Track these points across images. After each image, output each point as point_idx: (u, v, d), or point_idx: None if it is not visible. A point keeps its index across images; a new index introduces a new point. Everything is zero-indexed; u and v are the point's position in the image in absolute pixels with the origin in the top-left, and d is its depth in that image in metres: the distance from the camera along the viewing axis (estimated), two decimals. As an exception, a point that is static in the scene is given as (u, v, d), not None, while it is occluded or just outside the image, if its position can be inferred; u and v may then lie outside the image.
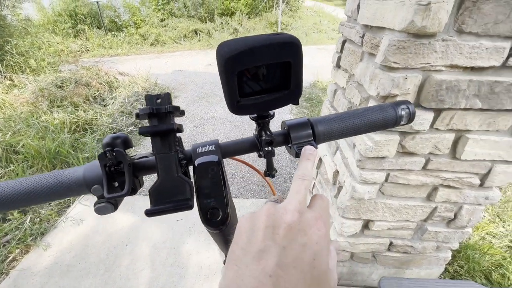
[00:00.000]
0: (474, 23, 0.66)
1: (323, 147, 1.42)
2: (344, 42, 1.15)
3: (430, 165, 0.92)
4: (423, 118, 0.80)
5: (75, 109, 2.97)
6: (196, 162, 0.33)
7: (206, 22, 8.98)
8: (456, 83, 0.73)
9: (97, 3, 7.84)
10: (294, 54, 0.28)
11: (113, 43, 7.92)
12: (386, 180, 0.98)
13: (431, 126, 0.83)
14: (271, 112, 0.36)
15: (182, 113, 0.31)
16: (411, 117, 0.37)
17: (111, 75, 4.08)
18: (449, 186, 0.98)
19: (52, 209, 1.84)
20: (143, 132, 0.29)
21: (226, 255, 0.40)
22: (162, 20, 9.29)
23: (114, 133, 0.32)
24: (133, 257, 1.51)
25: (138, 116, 0.29)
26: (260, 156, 0.37)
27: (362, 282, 1.37)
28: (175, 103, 3.82)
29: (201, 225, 1.39)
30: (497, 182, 0.94)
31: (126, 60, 6.62)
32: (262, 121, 0.35)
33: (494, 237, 1.67)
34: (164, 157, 0.30)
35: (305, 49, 7.24)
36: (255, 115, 0.35)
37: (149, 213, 0.30)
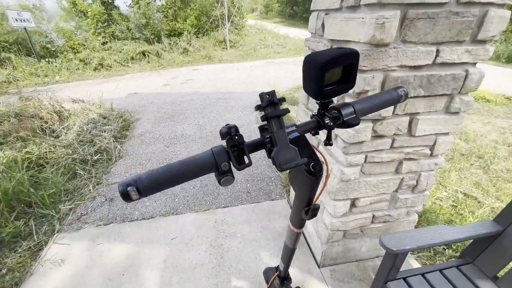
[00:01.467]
0: (412, 35, 0.92)
1: (304, 145, 1.61)
2: (312, 54, 1.37)
3: (395, 143, 1.17)
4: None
5: (25, 144, 2.66)
6: (289, 137, 0.45)
7: (153, 44, 8.84)
8: (406, 78, 0.99)
9: (25, 28, 7.09)
10: (356, 59, 0.44)
11: (49, 70, 7.21)
12: (365, 161, 1.20)
13: (393, 113, 1.08)
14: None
15: (284, 100, 0.43)
16: (406, 96, 0.56)
17: (57, 105, 3.74)
18: (410, 159, 1.24)
19: (21, 255, 1.63)
20: (271, 117, 0.41)
21: (307, 200, 0.52)
22: (103, 44, 8.82)
23: (227, 124, 0.42)
24: (135, 285, 1.44)
25: (258, 107, 0.41)
26: (315, 134, 0.51)
27: (355, 257, 1.57)
28: (137, 125, 3.69)
29: (199, 237, 1.45)
30: (441, 150, 1.23)
31: (67, 87, 6.08)
32: (326, 104, 0.50)
33: (441, 200, 2.07)
34: (280, 132, 0.42)
35: (257, 64, 7.69)
36: (323, 100, 0.49)
37: (282, 168, 0.40)
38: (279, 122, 0.42)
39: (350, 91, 1.03)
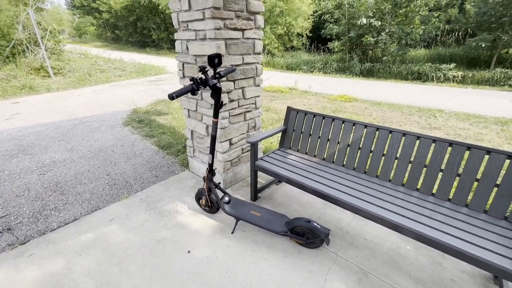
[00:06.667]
0: (231, 51, 2.09)
1: (192, 123, 2.51)
2: (183, 64, 2.32)
3: (240, 103, 2.35)
4: (231, 84, 2.18)
5: None
6: (211, 83, 1.39)
7: None
8: (237, 70, 2.16)
9: None
10: (220, 56, 1.44)
11: None
12: (229, 115, 2.30)
13: (234, 87, 2.24)
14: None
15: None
16: (235, 70, 1.65)
17: None
18: (248, 111, 2.48)
19: None
20: (205, 71, 1.33)
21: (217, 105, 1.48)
22: None
23: (195, 78, 1.27)
24: (103, 247, 1.75)
25: (201, 68, 1.31)
26: (213, 78, 1.47)
27: (240, 178, 2.66)
28: (-28, 171, 2.98)
29: (133, 212, 2.28)
30: (259, 104, 2.56)
31: None
32: (216, 70, 1.47)
33: (271, 143, 3.63)
34: (208, 76, 1.33)
35: (100, 88, 7.39)
36: (215, 68, 1.47)
37: (214, 84, 1.32)
38: (207, 74, 1.35)
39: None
